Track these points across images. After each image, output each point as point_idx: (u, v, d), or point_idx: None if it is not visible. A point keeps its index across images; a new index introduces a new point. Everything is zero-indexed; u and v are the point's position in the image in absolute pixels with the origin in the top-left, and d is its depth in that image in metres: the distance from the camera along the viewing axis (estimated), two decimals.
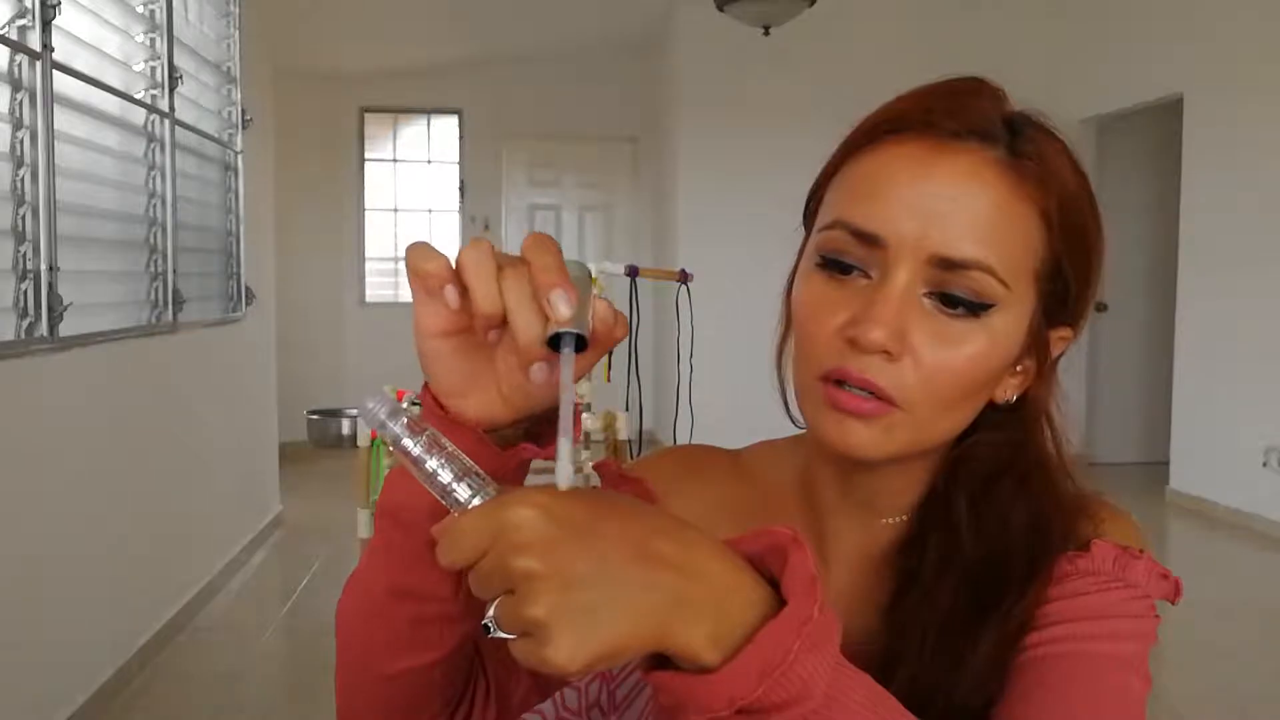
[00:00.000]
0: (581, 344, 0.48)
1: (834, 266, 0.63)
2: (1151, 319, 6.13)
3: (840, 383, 0.62)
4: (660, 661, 0.47)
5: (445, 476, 0.46)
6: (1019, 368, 0.67)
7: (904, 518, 0.70)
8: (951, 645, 0.62)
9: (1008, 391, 0.67)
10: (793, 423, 0.73)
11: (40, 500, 2.54)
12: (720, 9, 4.41)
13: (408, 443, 0.47)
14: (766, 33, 4.55)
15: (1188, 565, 4.42)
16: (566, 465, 0.46)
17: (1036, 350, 0.66)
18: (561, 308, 0.48)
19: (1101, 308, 6.26)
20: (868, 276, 0.63)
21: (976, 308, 0.61)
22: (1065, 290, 0.65)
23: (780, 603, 0.46)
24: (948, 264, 0.60)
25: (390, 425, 0.47)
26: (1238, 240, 4.97)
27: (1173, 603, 0.67)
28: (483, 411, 0.54)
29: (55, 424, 2.62)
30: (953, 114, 0.62)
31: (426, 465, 0.47)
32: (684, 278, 2.62)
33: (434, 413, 0.55)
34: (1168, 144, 5.59)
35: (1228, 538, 4.80)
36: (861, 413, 0.62)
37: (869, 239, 0.61)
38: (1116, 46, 5.79)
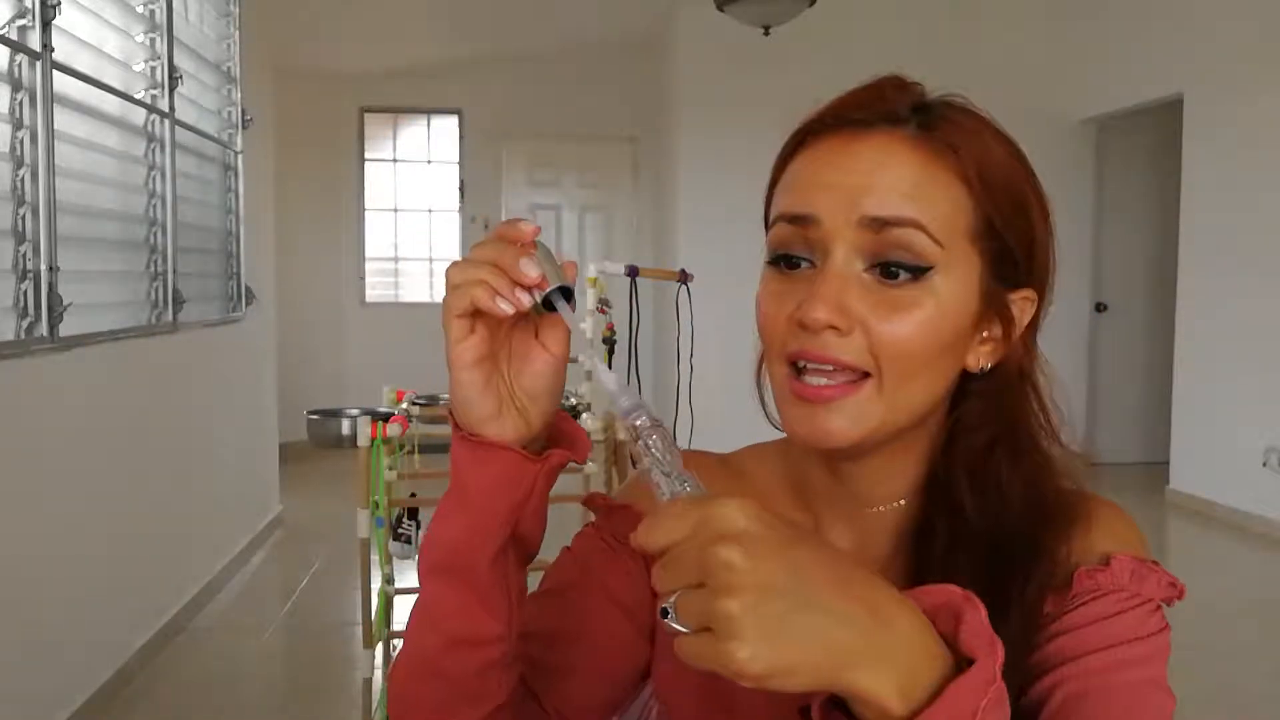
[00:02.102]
0: (569, 294, 0.58)
1: (783, 262, 0.66)
2: (1151, 319, 6.13)
3: (801, 373, 0.64)
4: (834, 701, 0.47)
5: (668, 467, 0.52)
6: (984, 334, 0.68)
7: (899, 503, 0.71)
8: None
9: (980, 360, 0.68)
10: (773, 425, 0.75)
11: (40, 500, 2.54)
12: (720, 9, 4.40)
13: (649, 434, 0.54)
14: (766, 33, 4.55)
15: (1188, 565, 4.42)
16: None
17: (999, 315, 0.67)
18: (531, 271, 0.57)
19: (1101, 308, 6.26)
20: (815, 266, 0.65)
21: (916, 270, 0.63)
22: (1008, 250, 0.66)
23: (954, 660, 0.47)
24: (879, 223, 0.62)
25: (634, 413, 0.55)
26: (1237, 240, 4.96)
27: (1169, 604, 0.69)
28: (509, 431, 0.61)
29: (55, 424, 2.62)
30: (863, 106, 0.66)
31: (655, 452, 0.53)
32: (684, 278, 2.61)
33: (467, 440, 0.60)
34: (1168, 144, 5.59)
35: (1228, 538, 4.80)
36: (824, 398, 0.63)
37: (804, 220, 0.64)
38: (1116, 46, 5.78)
